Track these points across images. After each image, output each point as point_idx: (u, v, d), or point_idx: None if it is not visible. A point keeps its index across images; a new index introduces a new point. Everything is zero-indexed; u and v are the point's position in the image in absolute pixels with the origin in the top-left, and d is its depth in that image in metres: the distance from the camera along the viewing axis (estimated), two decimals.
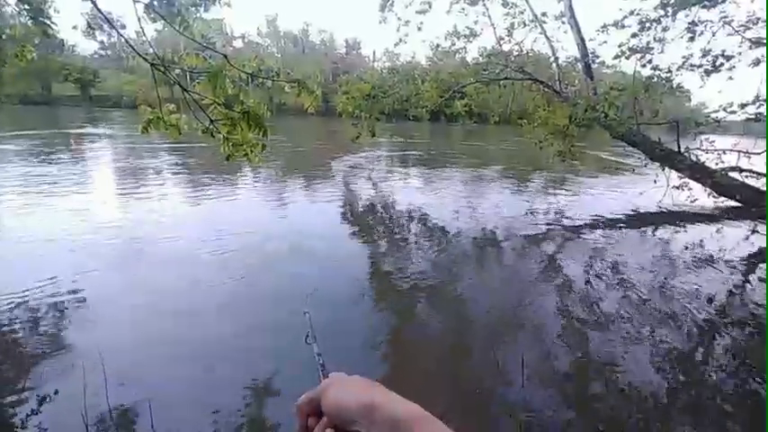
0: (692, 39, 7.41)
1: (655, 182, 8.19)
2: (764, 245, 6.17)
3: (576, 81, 10.03)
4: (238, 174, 9.52)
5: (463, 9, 9.90)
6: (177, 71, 2.59)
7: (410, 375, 2.82)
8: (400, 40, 10.33)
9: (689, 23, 7.37)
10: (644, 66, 7.95)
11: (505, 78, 9.71)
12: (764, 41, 6.95)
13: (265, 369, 2.66)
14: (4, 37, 5.20)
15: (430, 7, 9.89)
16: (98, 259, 4.30)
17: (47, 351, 2.80)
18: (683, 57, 7.64)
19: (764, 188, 7.47)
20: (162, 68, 2.37)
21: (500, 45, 9.91)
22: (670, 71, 7.76)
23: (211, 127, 2.64)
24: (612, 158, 16.48)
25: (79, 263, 4.15)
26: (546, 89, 9.50)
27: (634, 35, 7.94)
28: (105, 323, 3.19)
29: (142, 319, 3.27)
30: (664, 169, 8.40)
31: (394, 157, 15.56)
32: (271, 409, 2.38)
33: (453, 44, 9.99)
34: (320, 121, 32.18)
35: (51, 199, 6.74)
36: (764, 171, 7.41)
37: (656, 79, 7.86)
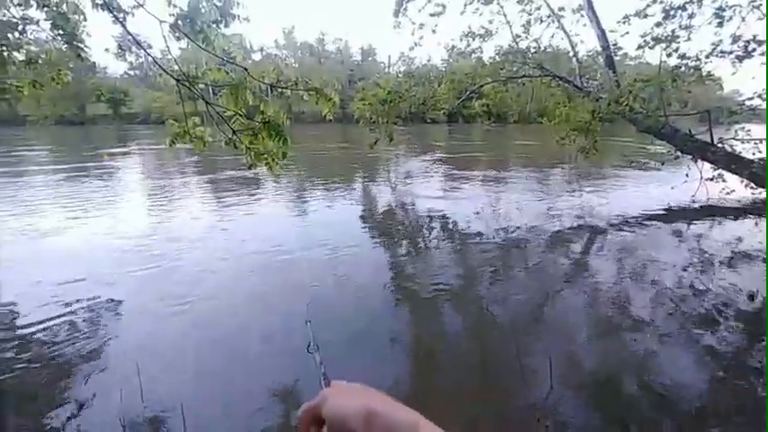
0: (720, 24, 7.07)
1: (687, 175, 7.85)
2: None
3: (598, 75, 9.74)
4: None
5: (477, 9, 9.83)
6: (201, 86, 2.70)
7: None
8: (415, 44, 10.34)
9: (716, 9, 7.04)
10: (670, 55, 7.63)
11: (523, 76, 9.54)
12: None
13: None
14: (40, 61, 5.55)
15: (444, 9, 9.88)
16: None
17: None
18: (712, 43, 7.29)
19: None
20: (187, 84, 2.48)
21: (516, 43, 9.76)
22: (699, 59, 7.41)
23: (234, 138, 2.74)
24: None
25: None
26: (566, 85, 9.28)
27: (658, 24, 7.64)
28: None
29: None
30: (696, 162, 8.03)
31: (457, 160, 15.15)
32: None
33: (469, 45, 9.91)
34: (339, 128, 32.53)
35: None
36: None
37: (683, 68, 7.53)
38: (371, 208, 7.85)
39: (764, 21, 6.87)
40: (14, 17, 5.10)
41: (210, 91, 2.89)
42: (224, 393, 2.57)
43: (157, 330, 3.32)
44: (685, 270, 4.61)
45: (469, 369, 2.89)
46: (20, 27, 5.22)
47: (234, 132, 2.72)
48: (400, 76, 10.65)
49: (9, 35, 5.16)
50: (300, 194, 9.06)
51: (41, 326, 3.33)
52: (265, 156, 2.93)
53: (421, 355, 3.12)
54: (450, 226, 6.50)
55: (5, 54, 5.10)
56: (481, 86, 9.44)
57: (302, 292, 3.96)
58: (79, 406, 2.43)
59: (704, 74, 7.45)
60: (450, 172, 12.30)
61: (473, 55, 10.07)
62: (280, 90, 2.82)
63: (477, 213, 7.18)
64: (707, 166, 7.95)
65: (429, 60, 12.34)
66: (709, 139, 7.70)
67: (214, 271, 4.50)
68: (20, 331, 3.27)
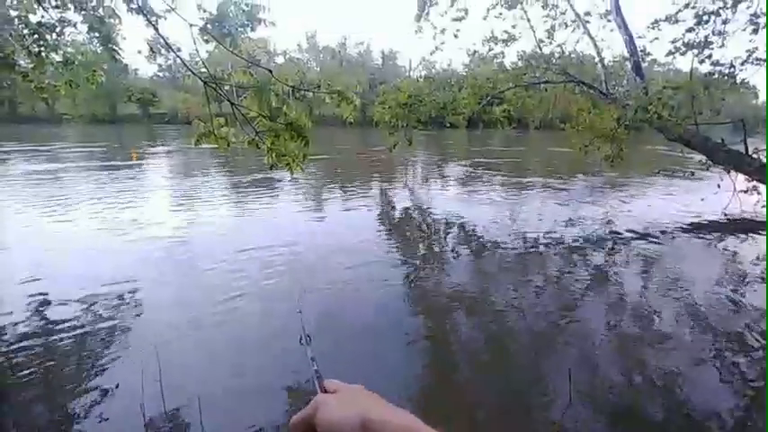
0: (755, 31, 6.77)
1: (718, 186, 7.54)
2: None
3: (625, 81, 9.48)
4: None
5: (501, 14, 9.74)
6: (226, 87, 2.76)
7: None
8: (436, 49, 10.32)
9: (751, 15, 6.75)
10: (702, 62, 7.34)
11: (546, 82, 9.37)
12: None
13: None
14: (76, 62, 5.80)
15: (466, 14, 9.83)
16: None
17: None
18: (747, 50, 6.99)
19: None
20: (213, 85, 2.54)
21: (540, 48, 9.61)
22: (732, 66, 7.12)
23: (257, 138, 2.79)
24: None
25: None
26: (591, 91, 9.06)
27: (690, 29, 7.38)
28: None
29: None
30: (729, 172, 7.69)
31: (504, 166, 15.02)
32: None
33: (491, 49, 9.82)
34: (362, 132, 32.70)
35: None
36: None
37: (716, 75, 7.24)
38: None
39: None
40: (52, 18, 5.35)
41: (235, 93, 2.96)
42: None
43: None
44: None
45: None
46: (57, 29, 5.47)
47: (257, 133, 2.77)
48: (421, 80, 10.65)
49: (47, 36, 5.41)
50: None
51: None
52: (286, 157, 2.97)
53: None
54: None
55: (44, 54, 5.35)
56: (503, 92, 9.33)
57: None
58: None
59: (738, 82, 7.15)
60: (513, 180, 11.97)
61: (495, 60, 9.98)
62: (302, 93, 2.86)
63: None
64: (741, 177, 7.62)
65: (450, 65, 12.40)
66: (743, 150, 7.37)
67: None
68: None
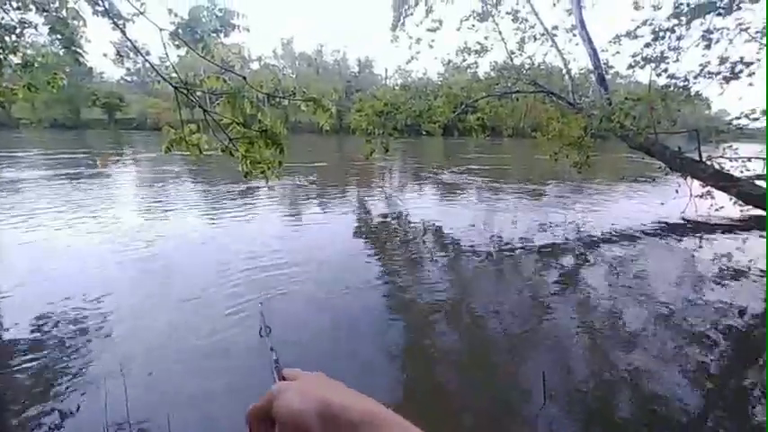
0: (707, 47, 7.30)
1: (676, 191, 8.00)
2: None
3: (590, 92, 9.97)
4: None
5: (473, 26, 10.07)
6: (198, 93, 2.71)
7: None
8: (412, 58, 10.53)
9: (704, 32, 7.27)
10: (659, 75, 7.85)
11: (517, 92, 9.73)
12: None
13: None
14: (36, 65, 5.53)
15: (441, 25, 10.09)
16: None
17: None
18: (700, 65, 7.52)
19: None
20: (185, 91, 2.48)
21: (511, 59, 9.98)
22: (687, 79, 7.64)
23: (230, 146, 2.74)
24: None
25: None
26: (560, 101, 9.47)
27: (648, 45, 7.87)
28: None
29: None
30: (686, 178, 8.19)
31: (492, 172, 15.01)
32: None
33: (464, 60, 10.12)
34: (339, 139, 32.63)
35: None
36: None
37: (672, 88, 7.74)
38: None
39: (751, 43, 7.11)
40: (12, 20, 5.10)
41: (208, 99, 2.90)
42: None
43: None
44: None
45: None
46: (17, 30, 5.21)
47: (230, 140, 2.72)
48: (397, 88, 10.80)
49: (6, 38, 5.14)
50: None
51: None
52: (261, 164, 2.93)
53: None
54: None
55: (1, 57, 5.08)
56: (476, 101, 9.60)
57: None
58: None
59: (692, 94, 7.66)
60: (527, 190, 11.91)
61: (469, 70, 10.28)
62: (278, 100, 2.84)
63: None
64: (696, 183, 8.11)
65: (425, 74, 12.71)
66: (697, 157, 7.88)
67: None
68: None
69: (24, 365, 2.85)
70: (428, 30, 10.04)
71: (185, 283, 4.30)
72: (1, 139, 25.50)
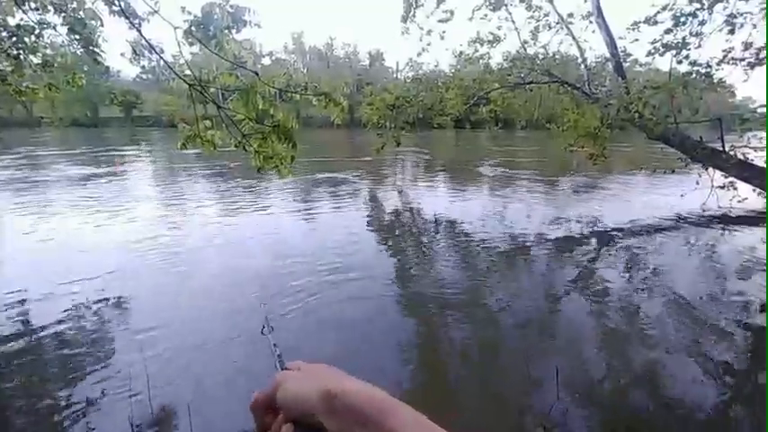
0: (731, 32, 6.99)
1: (697, 183, 7.74)
2: None
3: (607, 81, 9.69)
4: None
5: (486, 15, 9.85)
6: (212, 90, 2.74)
7: None
8: (423, 50, 10.37)
9: (727, 16, 6.96)
10: (680, 62, 7.55)
11: (531, 82, 9.52)
12: None
13: None
14: (56, 65, 5.68)
15: (452, 16, 9.92)
16: None
17: None
18: (724, 50, 7.22)
19: None
20: (199, 88, 2.52)
21: (525, 49, 9.76)
22: (710, 66, 7.34)
23: (243, 141, 2.77)
24: None
25: None
26: (575, 91, 9.24)
27: (668, 31, 7.58)
28: None
29: None
30: (707, 169, 7.91)
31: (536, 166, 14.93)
32: None
33: (477, 51, 9.93)
34: (351, 133, 32.54)
35: None
36: None
37: (694, 75, 7.45)
38: None
39: None
40: (32, 21, 5.23)
41: (221, 95, 2.94)
42: None
43: None
44: None
45: None
46: (36, 31, 5.34)
47: (243, 136, 2.76)
48: (408, 81, 10.71)
49: (26, 39, 5.28)
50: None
51: None
52: (274, 159, 2.96)
53: None
54: None
55: (22, 57, 5.22)
56: (489, 92, 9.44)
57: None
58: None
59: (715, 81, 7.36)
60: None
61: (481, 61, 10.09)
62: (289, 95, 2.86)
63: None
64: (718, 173, 7.84)
65: (437, 66, 12.39)
66: (720, 147, 7.60)
67: None
68: None
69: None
70: (439, 21, 9.87)
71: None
72: (33, 137, 26.28)
